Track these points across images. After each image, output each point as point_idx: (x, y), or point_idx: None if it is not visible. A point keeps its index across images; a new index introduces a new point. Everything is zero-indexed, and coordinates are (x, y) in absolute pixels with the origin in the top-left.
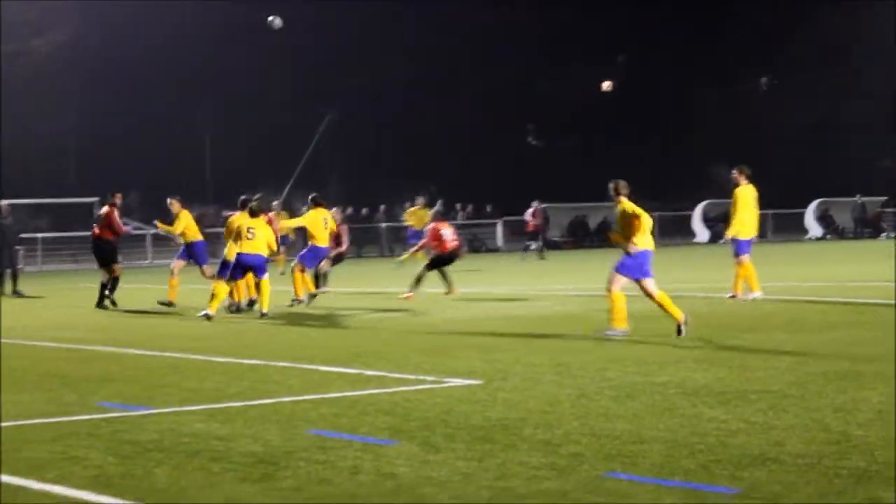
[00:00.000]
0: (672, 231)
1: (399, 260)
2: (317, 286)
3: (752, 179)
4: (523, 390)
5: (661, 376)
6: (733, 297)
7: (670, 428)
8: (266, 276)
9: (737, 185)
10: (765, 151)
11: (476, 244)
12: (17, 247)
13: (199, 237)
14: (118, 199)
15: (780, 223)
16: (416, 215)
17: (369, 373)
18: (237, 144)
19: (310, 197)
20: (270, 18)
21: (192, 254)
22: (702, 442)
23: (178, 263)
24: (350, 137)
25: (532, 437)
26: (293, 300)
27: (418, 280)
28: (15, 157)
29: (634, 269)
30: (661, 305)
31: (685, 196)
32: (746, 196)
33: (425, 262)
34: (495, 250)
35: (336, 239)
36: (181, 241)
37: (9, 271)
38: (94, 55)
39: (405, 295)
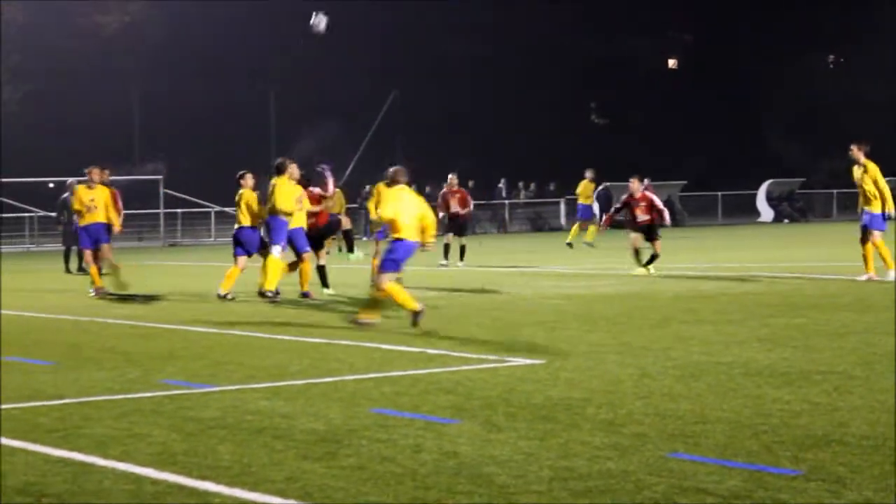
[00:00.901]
0: (735, 210)
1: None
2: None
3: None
4: (585, 370)
5: (725, 356)
6: (869, 279)
7: (734, 408)
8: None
9: (857, 161)
10: (827, 129)
11: (539, 223)
12: None
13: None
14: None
15: (845, 203)
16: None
17: (431, 351)
18: (300, 120)
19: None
20: (314, 21)
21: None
22: (765, 423)
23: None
24: (413, 115)
25: (594, 417)
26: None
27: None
28: (81, 135)
29: None
30: None
31: (750, 175)
32: (876, 170)
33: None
34: (558, 229)
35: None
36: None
37: (66, 248)
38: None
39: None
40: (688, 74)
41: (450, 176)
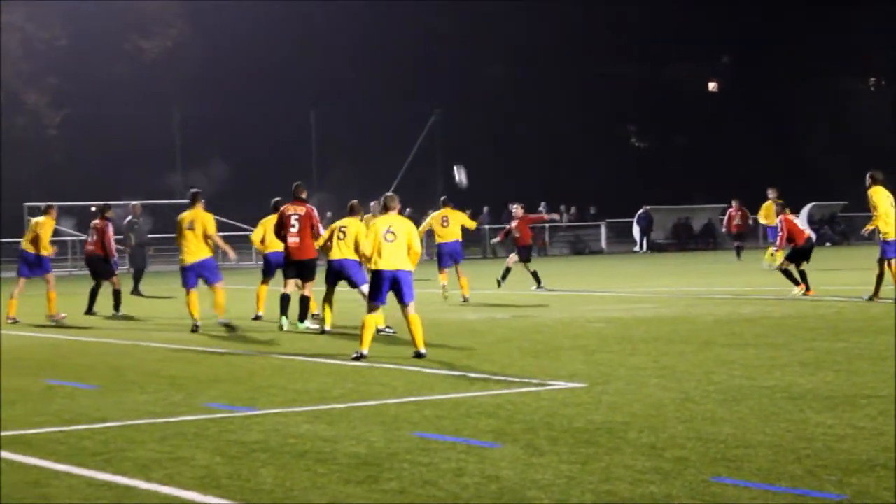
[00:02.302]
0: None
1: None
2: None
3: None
4: (627, 393)
5: (767, 380)
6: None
7: (776, 433)
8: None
9: (869, 187)
10: (868, 149)
11: (579, 246)
12: (148, 247)
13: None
14: (111, 214)
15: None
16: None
17: (473, 375)
18: (341, 144)
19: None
20: (457, 177)
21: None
22: (808, 447)
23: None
24: (451, 138)
25: (636, 441)
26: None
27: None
28: (120, 159)
29: None
30: None
31: (793, 199)
32: (881, 196)
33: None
34: (599, 252)
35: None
36: None
37: (134, 270)
38: (195, 57)
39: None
40: (728, 96)
41: (515, 207)
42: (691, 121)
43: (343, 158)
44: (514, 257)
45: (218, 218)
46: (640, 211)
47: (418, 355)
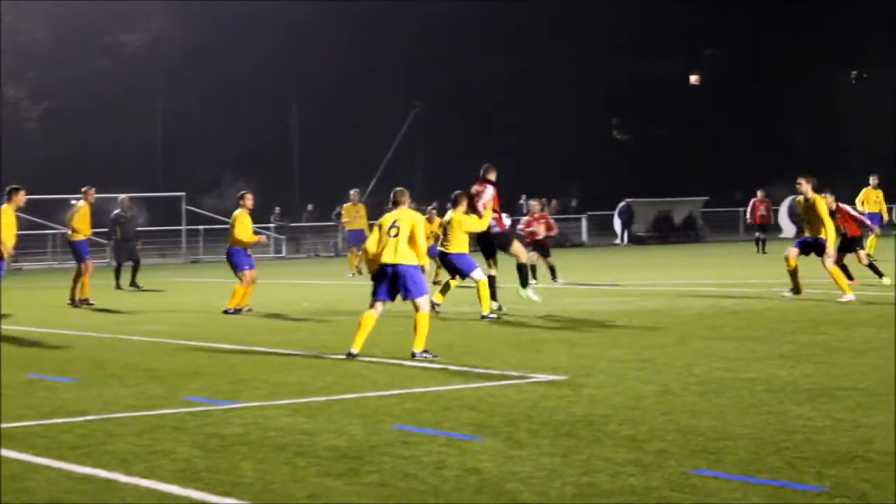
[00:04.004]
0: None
1: None
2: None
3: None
4: (608, 386)
5: (747, 373)
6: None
7: (756, 425)
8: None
9: (805, 195)
10: (852, 144)
11: (561, 239)
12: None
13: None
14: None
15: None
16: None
17: (454, 368)
18: (323, 138)
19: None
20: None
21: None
22: (788, 439)
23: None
24: (432, 132)
25: (617, 434)
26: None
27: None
28: (105, 151)
29: None
30: None
31: (772, 192)
32: (822, 204)
33: None
34: (579, 245)
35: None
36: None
37: (129, 263)
38: (177, 52)
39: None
40: (710, 90)
41: (532, 202)
42: (673, 114)
43: (324, 153)
44: (534, 254)
45: (200, 212)
46: (622, 204)
47: (413, 355)
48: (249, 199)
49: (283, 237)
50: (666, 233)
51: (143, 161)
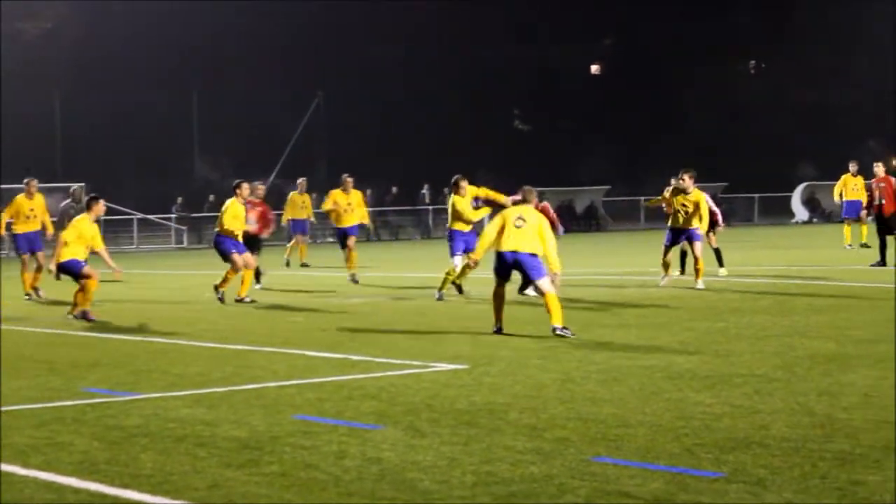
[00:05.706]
0: (658, 214)
1: None
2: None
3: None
4: (509, 375)
5: (647, 360)
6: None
7: (656, 412)
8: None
9: (685, 190)
10: (751, 134)
11: None
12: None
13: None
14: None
15: (766, 207)
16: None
17: (355, 357)
18: (226, 127)
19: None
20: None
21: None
22: (687, 426)
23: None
24: (335, 121)
25: (517, 422)
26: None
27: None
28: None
29: None
30: None
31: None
32: (702, 197)
33: None
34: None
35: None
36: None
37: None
38: (79, 41)
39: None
40: (610, 79)
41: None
42: (575, 103)
43: (225, 141)
44: None
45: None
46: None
47: (553, 330)
48: (246, 189)
49: (184, 227)
50: (567, 221)
51: (43, 151)
